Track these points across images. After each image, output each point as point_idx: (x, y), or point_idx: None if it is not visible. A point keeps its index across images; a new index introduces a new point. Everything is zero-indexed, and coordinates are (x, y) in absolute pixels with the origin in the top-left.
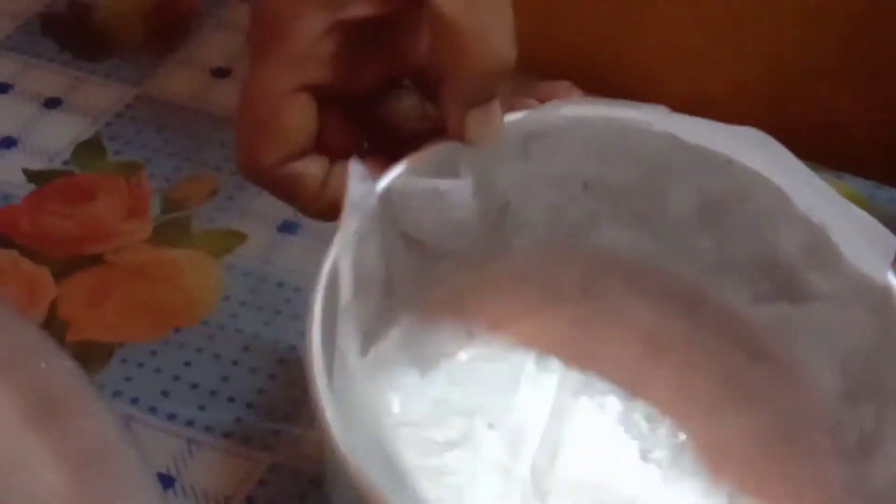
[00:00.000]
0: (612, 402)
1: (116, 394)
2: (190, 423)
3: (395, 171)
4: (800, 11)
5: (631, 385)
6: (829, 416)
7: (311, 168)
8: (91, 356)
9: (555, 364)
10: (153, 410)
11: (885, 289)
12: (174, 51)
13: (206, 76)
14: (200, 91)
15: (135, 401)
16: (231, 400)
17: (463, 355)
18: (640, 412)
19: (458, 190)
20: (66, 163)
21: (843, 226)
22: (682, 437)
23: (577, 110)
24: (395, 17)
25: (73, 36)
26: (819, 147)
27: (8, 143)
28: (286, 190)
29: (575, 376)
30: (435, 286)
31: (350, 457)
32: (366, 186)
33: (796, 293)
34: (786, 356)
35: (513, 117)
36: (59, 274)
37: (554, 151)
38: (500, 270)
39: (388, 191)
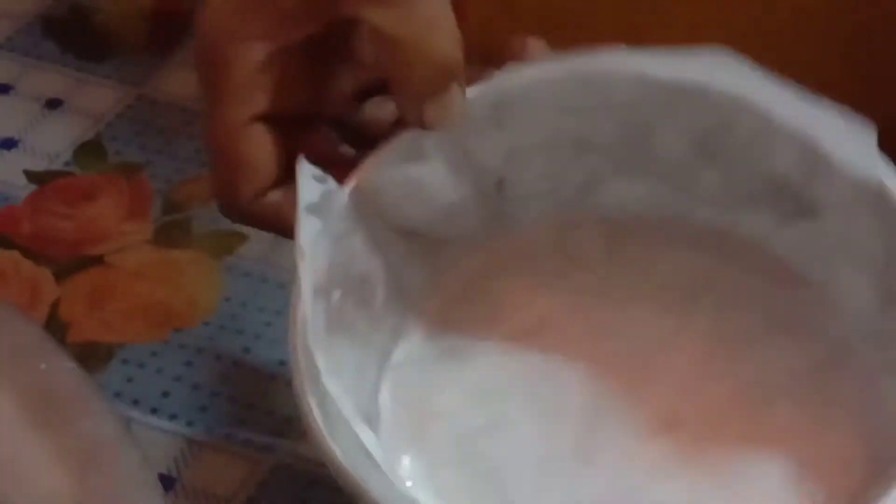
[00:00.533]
0: (654, 359)
1: (117, 394)
2: (191, 423)
3: (362, 167)
4: (800, 23)
5: (671, 336)
6: (871, 330)
7: (287, 196)
8: (92, 357)
9: (584, 333)
10: (154, 411)
11: (879, 188)
12: (175, 52)
13: None
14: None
15: (136, 402)
16: (232, 401)
17: (488, 340)
18: (685, 358)
19: (430, 172)
20: (66, 164)
21: (827, 130)
22: (729, 378)
23: (539, 71)
24: (340, 31)
25: (74, 37)
26: None
27: (9, 144)
28: (266, 222)
29: (607, 344)
30: (448, 276)
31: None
32: (327, 186)
33: (807, 210)
34: (816, 277)
35: (474, 90)
36: (60, 275)
37: (528, 117)
38: (515, 249)
39: (359, 187)
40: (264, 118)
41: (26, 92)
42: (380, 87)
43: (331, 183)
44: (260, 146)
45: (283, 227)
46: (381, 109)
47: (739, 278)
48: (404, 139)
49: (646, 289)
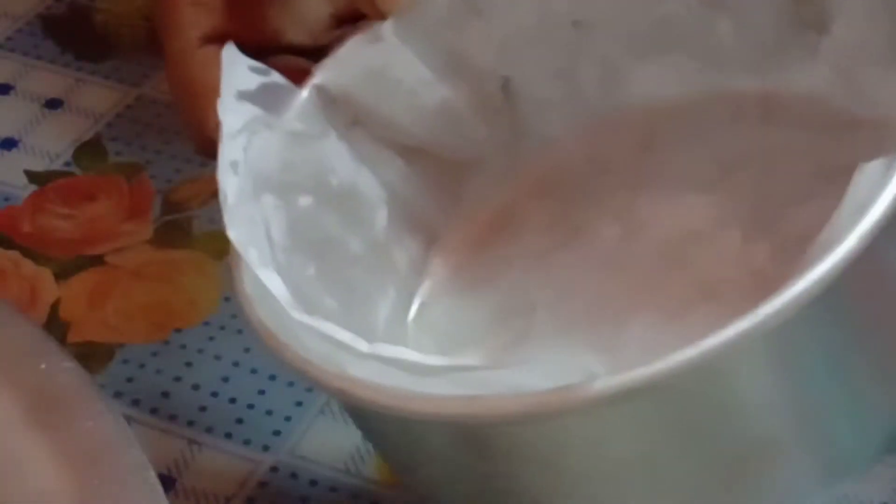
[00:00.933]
0: (689, 245)
1: (117, 395)
2: (191, 423)
3: (322, 64)
4: None
5: (712, 215)
6: None
7: None
8: (92, 357)
9: (618, 235)
10: (154, 411)
11: None
12: None
13: None
14: None
15: (136, 402)
16: (232, 401)
17: (516, 263)
18: (736, 226)
19: (397, 62)
20: (67, 164)
21: None
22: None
23: None
24: None
25: (73, 37)
26: None
27: (9, 144)
28: None
29: (643, 240)
30: (472, 205)
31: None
32: (269, 78)
33: (822, 22)
34: (864, 114)
35: None
36: (60, 275)
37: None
38: (542, 170)
39: (321, 86)
40: (220, 41)
41: (26, 92)
42: (358, 16)
43: (276, 76)
44: (215, 67)
45: None
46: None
47: (785, 140)
48: (363, 34)
49: (682, 175)
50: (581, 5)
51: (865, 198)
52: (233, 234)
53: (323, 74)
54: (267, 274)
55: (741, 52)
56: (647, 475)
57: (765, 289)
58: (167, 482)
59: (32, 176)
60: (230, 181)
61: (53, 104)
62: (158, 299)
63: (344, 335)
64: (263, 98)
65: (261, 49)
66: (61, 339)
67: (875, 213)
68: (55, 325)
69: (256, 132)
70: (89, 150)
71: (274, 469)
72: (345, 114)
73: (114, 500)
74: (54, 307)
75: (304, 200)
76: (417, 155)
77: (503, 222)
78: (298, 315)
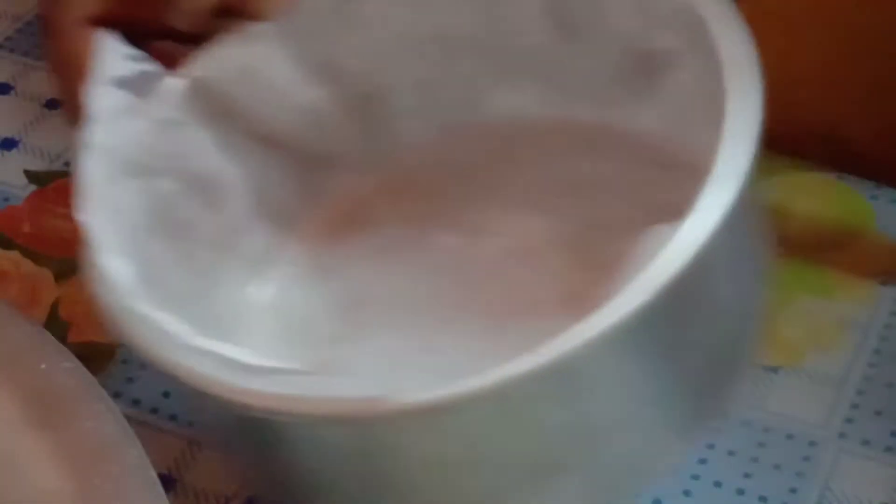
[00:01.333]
0: (526, 256)
1: (118, 395)
2: (191, 423)
3: (196, 56)
4: (801, 21)
5: (545, 233)
6: None
7: None
8: (93, 357)
9: (459, 240)
10: (154, 411)
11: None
12: None
13: None
14: None
15: (136, 402)
16: None
17: (365, 256)
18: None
19: (268, 62)
20: (67, 164)
21: None
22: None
23: None
24: None
25: None
26: (821, 153)
27: (9, 144)
28: None
29: (482, 246)
30: (328, 197)
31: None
32: (144, 66)
33: (656, 70)
34: (686, 158)
35: None
36: (61, 275)
37: (377, 11)
38: (397, 168)
39: (195, 78)
40: (104, 24)
41: (26, 92)
42: (239, 8)
43: (149, 64)
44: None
45: None
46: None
47: (614, 171)
48: (241, 31)
49: (523, 193)
50: (449, 26)
51: (679, 245)
52: (84, 218)
53: (197, 66)
54: (111, 260)
55: (587, 88)
56: (442, 480)
57: (576, 312)
58: (167, 482)
59: (32, 176)
60: (90, 165)
61: (53, 104)
62: None
63: (176, 326)
64: (135, 84)
65: (145, 34)
66: (62, 340)
67: (680, 261)
68: (55, 325)
69: (125, 117)
70: None
71: None
72: (213, 105)
73: (114, 499)
74: (54, 307)
75: (167, 185)
76: (280, 148)
77: (355, 218)
78: (136, 304)
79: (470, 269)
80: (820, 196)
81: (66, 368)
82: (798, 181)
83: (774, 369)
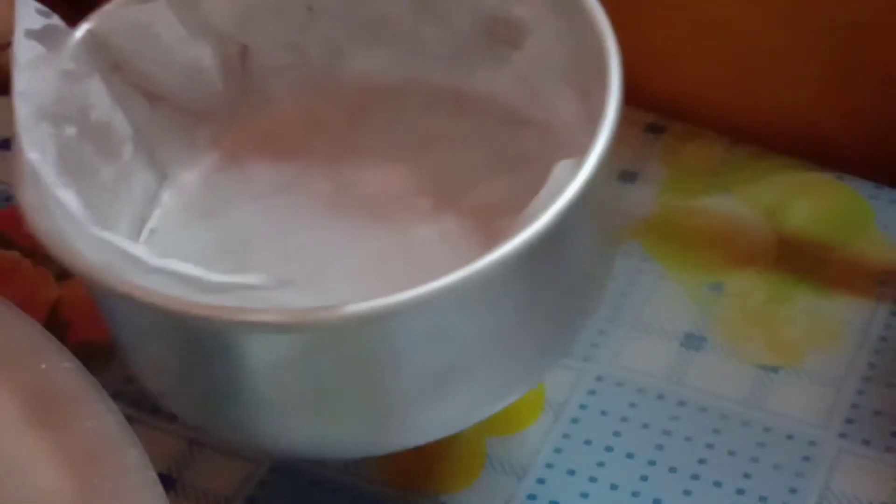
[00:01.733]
0: (390, 202)
1: (118, 395)
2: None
3: (95, 11)
4: (783, 19)
5: (406, 182)
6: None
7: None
8: (93, 357)
9: (329, 188)
10: (154, 411)
11: None
12: None
13: None
14: None
15: (136, 402)
16: None
17: (240, 203)
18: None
19: (160, 21)
20: None
21: None
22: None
23: None
24: None
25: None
26: (810, 152)
27: (9, 144)
28: None
29: (348, 194)
30: (203, 150)
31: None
32: (51, 21)
33: (514, 39)
34: (538, 117)
35: None
36: (61, 275)
37: None
38: (266, 122)
39: (90, 30)
40: None
41: None
42: None
43: (56, 20)
44: (10, 11)
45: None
46: None
47: (469, 128)
48: None
49: (384, 147)
50: None
51: (558, 187)
52: (31, 155)
53: (94, 21)
54: (62, 191)
55: (440, 53)
56: (367, 384)
57: (451, 248)
58: (167, 482)
59: None
60: (22, 108)
61: None
62: None
63: (137, 248)
64: (45, 37)
65: None
66: (62, 340)
67: (566, 198)
68: (55, 325)
69: (38, 67)
70: None
71: (274, 469)
72: (108, 58)
73: (114, 499)
74: (54, 307)
75: (70, 131)
76: (162, 102)
77: (229, 166)
78: (94, 229)
79: (347, 212)
80: (820, 196)
81: (66, 368)
82: (798, 181)
83: (774, 369)
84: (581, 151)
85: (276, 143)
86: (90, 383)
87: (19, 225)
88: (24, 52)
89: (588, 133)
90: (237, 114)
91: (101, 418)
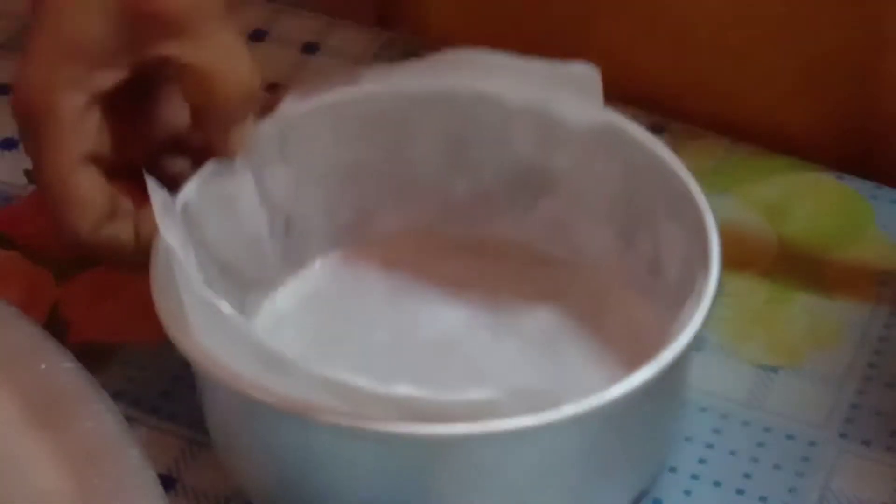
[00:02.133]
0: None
1: (118, 394)
2: (191, 424)
3: (185, 184)
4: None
5: (464, 317)
6: (617, 265)
7: (122, 227)
8: (93, 357)
9: (383, 339)
10: (154, 411)
11: (607, 125)
12: None
13: None
14: None
15: (136, 402)
16: None
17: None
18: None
19: (243, 189)
20: None
21: (557, 91)
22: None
23: (315, 101)
24: (153, 83)
25: None
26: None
27: (9, 144)
28: (108, 252)
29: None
30: (248, 314)
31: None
32: (160, 196)
33: (546, 186)
34: (566, 257)
35: (265, 121)
36: (61, 275)
37: (307, 146)
38: (305, 286)
39: (185, 204)
40: (90, 159)
41: None
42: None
43: (167, 195)
44: (91, 183)
45: (120, 256)
46: (173, 164)
47: (495, 268)
48: (219, 165)
49: (426, 292)
50: (355, 157)
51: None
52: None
53: (185, 194)
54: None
55: (466, 204)
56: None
57: (522, 377)
58: (167, 482)
59: (32, 176)
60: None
61: None
62: None
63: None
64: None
65: (136, 160)
66: (62, 340)
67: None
68: (55, 326)
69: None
70: None
71: None
72: (193, 231)
73: (113, 499)
74: (54, 307)
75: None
76: (228, 273)
77: (278, 328)
78: (271, 351)
79: (414, 352)
80: (820, 196)
81: (66, 368)
82: (798, 181)
83: (774, 369)
84: (629, 283)
85: (316, 303)
86: (90, 383)
87: (19, 225)
88: (162, 219)
89: (627, 263)
90: (279, 279)
91: (101, 418)
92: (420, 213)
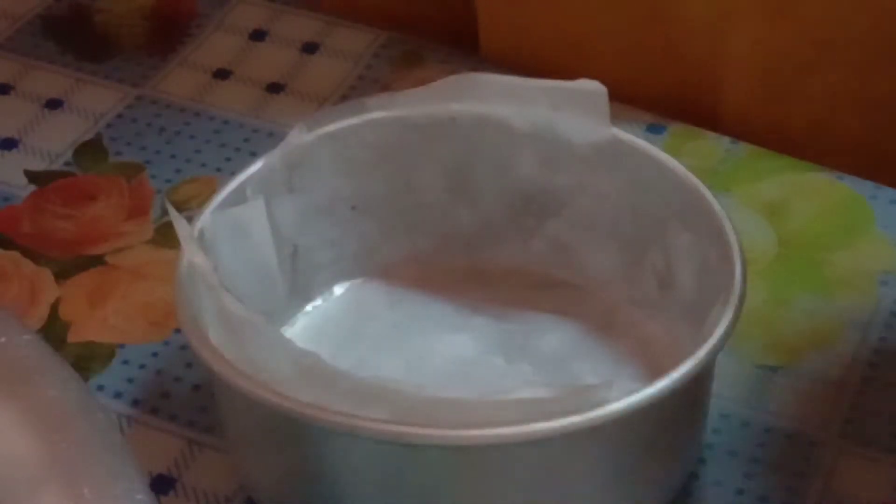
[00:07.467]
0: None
1: (118, 395)
2: (191, 424)
3: (201, 212)
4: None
5: (475, 343)
6: (623, 282)
7: None
8: (92, 357)
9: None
10: (154, 411)
11: (612, 142)
12: (175, 52)
13: (206, 78)
14: (201, 92)
15: (136, 402)
16: None
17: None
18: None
19: (256, 219)
20: (67, 164)
21: (562, 112)
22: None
23: (319, 132)
24: None
25: (74, 37)
26: (815, 148)
27: (9, 144)
28: None
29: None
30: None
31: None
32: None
33: (552, 208)
34: (572, 280)
35: (275, 151)
36: (61, 275)
37: (313, 176)
38: (314, 319)
39: (201, 230)
40: None
41: (26, 92)
42: None
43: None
44: None
45: None
46: None
47: (507, 296)
48: (230, 191)
49: (432, 320)
50: (360, 186)
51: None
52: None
53: (201, 221)
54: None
55: (469, 232)
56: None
57: (539, 397)
58: (167, 482)
59: (32, 176)
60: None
61: (53, 104)
62: (158, 299)
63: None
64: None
65: None
66: (61, 340)
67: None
68: (55, 326)
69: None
70: (89, 150)
71: None
72: (211, 258)
73: (80, 464)
74: (54, 307)
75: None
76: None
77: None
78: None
79: (430, 380)
80: (820, 196)
81: (26, 341)
82: (798, 181)
83: (774, 369)
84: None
85: (326, 334)
86: (50, 354)
87: (19, 225)
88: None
89: (630, 283)
90: (288, 311)
91: (65, 386)
92: (425, 241)
